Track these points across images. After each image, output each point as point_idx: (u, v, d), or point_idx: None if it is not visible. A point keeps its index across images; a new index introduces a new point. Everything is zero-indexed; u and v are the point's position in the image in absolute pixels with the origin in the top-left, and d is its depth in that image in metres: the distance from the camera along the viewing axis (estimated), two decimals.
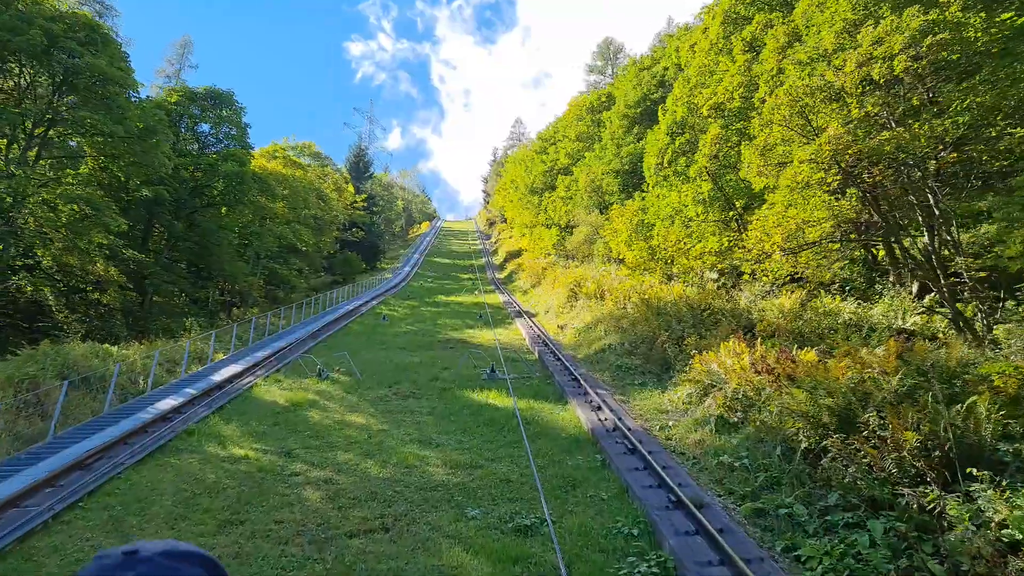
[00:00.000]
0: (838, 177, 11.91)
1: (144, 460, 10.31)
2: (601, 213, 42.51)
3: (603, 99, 55.39)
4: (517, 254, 61.28)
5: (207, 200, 29.05)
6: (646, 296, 19.51)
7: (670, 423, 11.16)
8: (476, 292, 43.66)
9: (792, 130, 12.75)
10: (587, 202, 45.23)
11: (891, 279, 19.47)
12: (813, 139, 12.82)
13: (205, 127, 30.91)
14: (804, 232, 13.18)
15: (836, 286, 18.55)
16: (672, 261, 21.58)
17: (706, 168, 21.08)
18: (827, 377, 8.65)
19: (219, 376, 16.65)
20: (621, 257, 29.16)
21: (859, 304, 17.31)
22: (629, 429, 10.58)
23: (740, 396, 10.04)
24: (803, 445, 8.13)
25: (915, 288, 17.55)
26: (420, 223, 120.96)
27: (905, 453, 6.79)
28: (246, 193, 29.24)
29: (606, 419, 11.49)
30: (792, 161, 12.91)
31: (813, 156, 11.64)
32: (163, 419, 12.80)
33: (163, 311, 29.49)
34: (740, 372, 10.67)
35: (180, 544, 0.85)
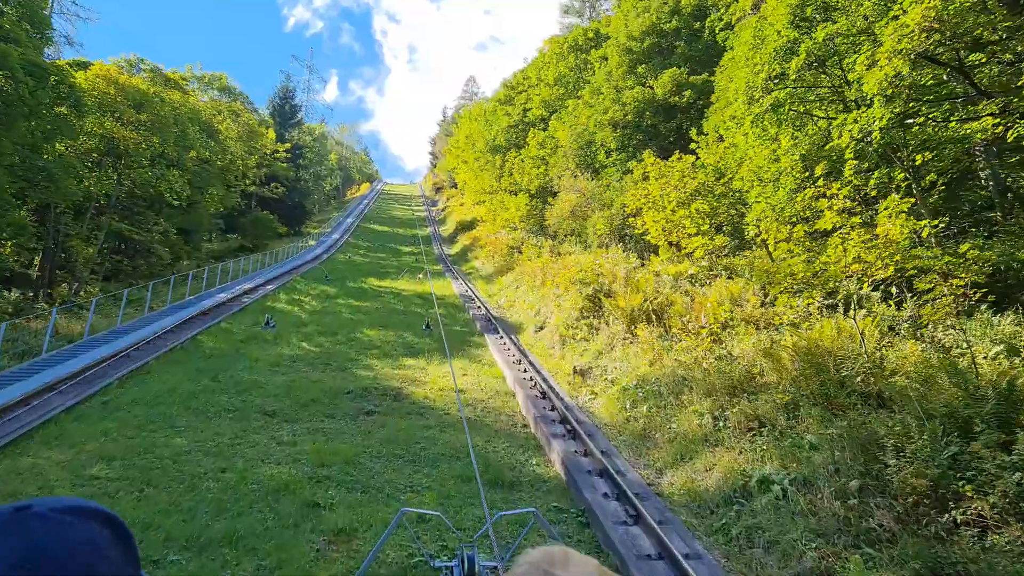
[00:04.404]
0: None
1: None
2: (592, 178, 31.73)
3: (590, 36, 43.99)
4: (470, 225, 49.99)
5: None
6: (801, 343, 8.85)
7: None
8: (421, 275, 32.17)
9: None
10: (571, 163, 34.28)
11: None
12: None
13: None
14: None
15: None
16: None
17: (892, 80, 10.52)
18: None
19: None
20: (656, 243, 18.50)
21: None
22: None
23: None
24: None
25: None
26: (359, 184, 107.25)
27: None
28: (25, 102, 16.72)
29: None
30: None
31: None
32: None
33: None
34: None
35: (80, 500, 0.73)
